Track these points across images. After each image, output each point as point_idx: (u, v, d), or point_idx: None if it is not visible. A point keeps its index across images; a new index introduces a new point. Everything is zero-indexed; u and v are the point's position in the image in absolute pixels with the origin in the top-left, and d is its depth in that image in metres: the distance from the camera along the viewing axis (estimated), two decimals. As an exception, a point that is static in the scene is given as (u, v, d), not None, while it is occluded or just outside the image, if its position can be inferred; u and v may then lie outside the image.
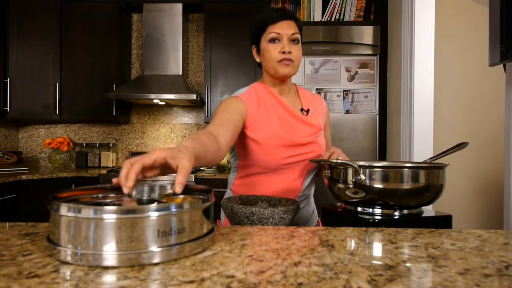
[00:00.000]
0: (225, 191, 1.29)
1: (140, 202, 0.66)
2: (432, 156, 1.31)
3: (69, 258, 0.52)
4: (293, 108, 1.20)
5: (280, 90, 1.20)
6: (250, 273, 0.50)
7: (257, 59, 1.20)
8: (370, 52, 2.75)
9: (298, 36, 1.13)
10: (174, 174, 0.65)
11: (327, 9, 2.84)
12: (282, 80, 1.18)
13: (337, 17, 2.83)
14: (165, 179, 2.63)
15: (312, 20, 2.85)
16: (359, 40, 2.74)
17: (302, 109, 1.21)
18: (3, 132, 3.29)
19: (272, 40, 1.12)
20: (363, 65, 2.76)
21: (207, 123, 3.37)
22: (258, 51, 1.18)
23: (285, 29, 1.11)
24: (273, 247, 0.62)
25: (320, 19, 2.85)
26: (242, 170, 1.19)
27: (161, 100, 3.03)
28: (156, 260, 0.53)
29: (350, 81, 2.76)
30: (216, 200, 0.66)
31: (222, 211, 1.12)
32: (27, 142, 3.48)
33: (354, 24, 2.78)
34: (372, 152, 2.71)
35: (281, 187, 1.14)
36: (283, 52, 1.11)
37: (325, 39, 2.75)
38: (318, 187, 1.30)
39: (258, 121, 1.13)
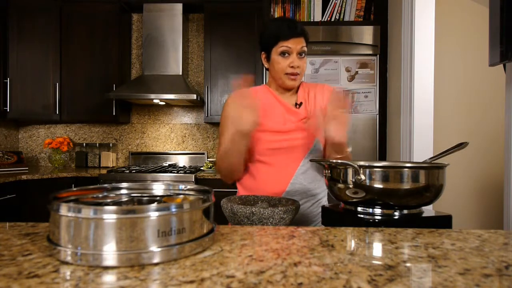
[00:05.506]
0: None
1: (140, 202, 0.66)
2: (432, 156, 1.31)
3: (69, 258, 0.52)
4: (288, 102, 1.28)
5: (281, 93, 1.30)
6: (250, 273, 0.50)
7: (266, 65, 1.28)
8: (370, 52, 2.75)
9: (306, 49, 1.21)
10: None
11: (327, 9, 2.84)
12: (287, 90, 1.27)
13: (337, 17, 2.83)
14: (165, 179, 2.63)
15: (312, 20, 2.85)
16: (359, 40, 2.74)
17: (296, 104, 1.29)
18: (3, 132, 3.28)
19: (283, 54, 1.19)
20: (363, 65, 2.76)
21: (207, 123, 3.37)
22: (267, 58, 1.25)
23: (295, 44, 1.18)
24: (273, 247, 0.62)
25: (320, 19, 2.84)
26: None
27: (161, 100, 3.03)
28: (156, 260, 0.53)
29: (350, 81, 2.75)
30: (216, 200, 0.66)
31: None
32: (27, 142, 3.48)
33: (354, 24, 2.78)
34: (372, 152, 2.71)
35: (277, 171, 1.21)
36: (292, 67, 1.19)
37: (325, 39, 2.75)
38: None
39: None
